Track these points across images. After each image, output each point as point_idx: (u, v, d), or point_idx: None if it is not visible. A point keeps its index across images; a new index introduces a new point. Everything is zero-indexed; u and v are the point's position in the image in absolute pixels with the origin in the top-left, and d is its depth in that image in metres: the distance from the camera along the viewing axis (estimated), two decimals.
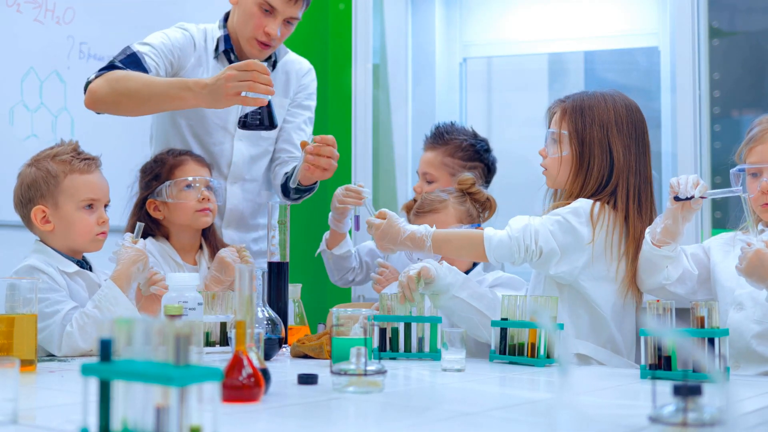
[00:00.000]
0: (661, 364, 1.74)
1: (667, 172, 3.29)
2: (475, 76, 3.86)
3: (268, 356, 1.98)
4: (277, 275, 2.22)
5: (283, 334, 2.06)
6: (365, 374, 1.48)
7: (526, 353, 1.98)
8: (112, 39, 2.97)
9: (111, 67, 2.45)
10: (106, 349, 0.95)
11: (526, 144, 3.55)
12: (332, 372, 1.51)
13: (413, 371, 1.87)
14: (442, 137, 2.81)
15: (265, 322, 1.99)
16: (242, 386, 1.33)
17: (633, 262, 2.14)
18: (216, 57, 2.65)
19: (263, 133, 2.65)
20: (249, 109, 2.32)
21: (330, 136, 2.44)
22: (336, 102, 3.74)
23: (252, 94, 2.25)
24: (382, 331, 2.07)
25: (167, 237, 2.54)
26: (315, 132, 2.81)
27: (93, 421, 0.95)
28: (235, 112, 2.61)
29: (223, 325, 2.11)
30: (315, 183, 2.59)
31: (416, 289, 2.08)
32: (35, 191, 2.11)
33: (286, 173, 2.68)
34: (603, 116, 2.20)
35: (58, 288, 2.05)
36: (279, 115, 2.70)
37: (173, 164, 2.52)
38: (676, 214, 2.02)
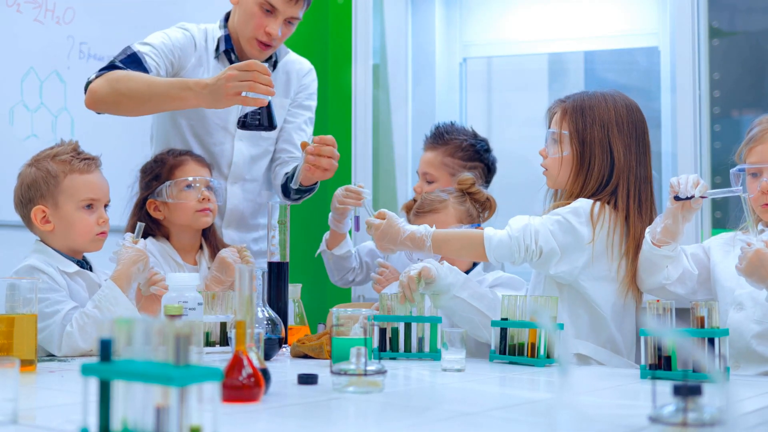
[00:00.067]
0: (661, 364, 1.74)
1: (667, 172, 3.29)
2: (475, 76, 3.86)
3: (268, 356, 1.98)
4: (277, 275, 2.22)
5: (283, 334, 2.06)
6: (365, 374, 1.48)
7: (526, 353, 1.98)
8: (112, 39, 2.97)
9: (111, 67, 2.45)
10: (106, 349, 0.95)
11: (526, 144, 3.55)
12: (332, 372, 1.51)
13: (413, 371, 1.87)
14: (442, 137, 2.81)
15: (265, 322, 1.99)
16: (242, 386, 1.33)
17: (633, 262, 2.14)
18: (216, 57, 2.65)
19: (263, 133, 2.65)
20: (249, 109, 2.32)
21: (329, 136, 2.44)
22: (336, 102, 3.74)
23: (252, 94, 2.26)
24: (382, 331, 2.07)
25: (167, 237, 2.54)
26: (315, 132, 2.81)
27: (93, 421, 0.95)
28: (236, 112, 2.61)
29: (223, 325, 2.11)
30: (315, 183, 2.59)
31: (417, 289, 2.08)
32: (35, 191, 2.11)
33: (286, 173, 2.69)
34: (604, 116, 2.20)
35: (58, 288, 2.05)
36: (279, 115, 2.70)
37: (173, 164, 2.52)
38: (676, 213, 2.02)
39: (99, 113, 2.49)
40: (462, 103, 3.85)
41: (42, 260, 2.07)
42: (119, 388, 0.93)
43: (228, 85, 2.24)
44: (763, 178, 2.04)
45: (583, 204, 2.14)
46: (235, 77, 2.24)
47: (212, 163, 2.64)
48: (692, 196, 1.99)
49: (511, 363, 2.00)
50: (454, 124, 2.87)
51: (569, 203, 2.17)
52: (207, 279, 2.43)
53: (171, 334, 0.92)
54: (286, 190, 2.68)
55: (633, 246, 2.15)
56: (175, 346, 0.92)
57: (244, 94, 2.25)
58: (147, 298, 2.17)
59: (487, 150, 2.85)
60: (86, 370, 0.95)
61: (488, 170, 2.84)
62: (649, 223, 2.13)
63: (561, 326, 2.02)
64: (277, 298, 2.21)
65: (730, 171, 2.09)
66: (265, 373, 1.40)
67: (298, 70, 2.79)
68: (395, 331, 2.09)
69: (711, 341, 1.71)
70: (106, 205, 2.18)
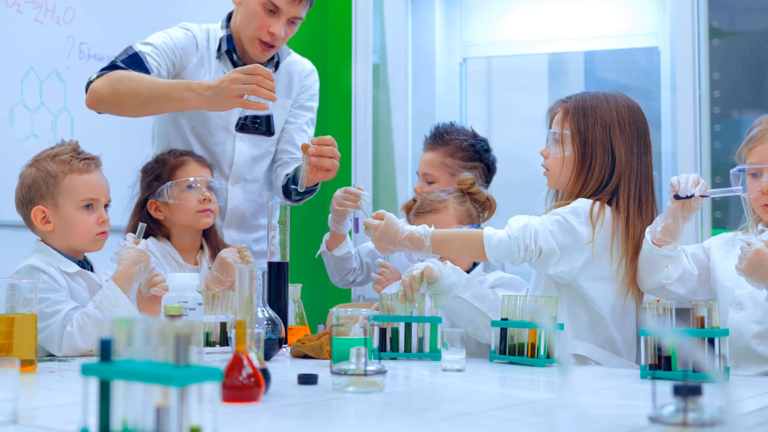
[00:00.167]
0: (661, 364, 1.74)
1: (667, 172, 3.29)
2: (475, 76, 3.86)
3: (268, 356, 1.98)
4: (277, 275, 2.22)
5: (283, 334, 2.06)
6: (365, 374, 1.48)
7: (526, 353, 1.98)
8: (112, 39, 2.97)
9: (113, 67, 2.45)
10: (106, 349, 0.95)
11: (526, 144, 3.55)
12: (332, 372, 1.51)
13: (413, 371, 1.87)
14: (442, 137, 2.81)
15: (265, 322, 1.99)
16: (242, 386, 1.33)
17: (633, 262, 2.14)
18: (218, 57, 2.65)
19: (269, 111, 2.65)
20: (249, 112, 2.32)
21: (329, 137, 2.44)
22: (336, 102, 3.75)
23: (254, 98, 2.26)
24: (382, 331, 2.07)
25: (168, 237, 2.54)
26: (315, 133, 2.81)
27: (93, 421, 0.95)
28: (237, 112, 2.61)
29: (223, 325, 2.11)
30: (316, 185, 2.59)
31: (418, 289, 2.08)
32: (35, 191, 2.11)
33: (287, 174, 2.69)
34: (605, 116, 2.20)
35: (58, 288, 2.05)
36: (281, 116, 2.70)
37: (174, 165, 2.52)
38: (676, 213, 2.02)
39: (99, 113, 2.49)
40: (462, 103, 3.85)
41: (43, 260, 2.07)
42: (119, 388, 0.93)
43: (231, 87, 2.25)
44: (763, 179, 2.04)
45: (583, 204, 2.14)
46: (239, 80, 2.25)
47: (213, 163, 2.64)
48: (692, 195, 1.99)
49: (511, 363, 2.00)
50: (453, 125, 2.87)
51: (569, 203, 2.17)
52: (207, 279, 2.43)
53: (171, 334, 0.92)
54: (287, 191, 2.68)
55: (633, 246, 2.14)
56: (175, 346, 0.92)
57: (245, 97, 2.26)
58: (148, 299, 2.17)
59: (487, 150, 2.84)
60: (86, 370, 0.95)
61: (488, 170, 2.84)
62: (650, 224, 2.13)
63: (561, 326, 2.02)
64: (277, 298, 2.21)
65: (730, 171, 2.09)
66: (265, 373, 1.40)
67: (300, 71, 2.79)
68: (395, 331, 2.09)
69: (711, 341, 1.71)
70: (106, 205, 2.18)
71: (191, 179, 2.50)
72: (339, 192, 2.58)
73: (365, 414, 1.34)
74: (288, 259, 2.24)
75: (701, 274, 2.13)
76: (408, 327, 2.08)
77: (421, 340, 2.08)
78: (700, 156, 3.06)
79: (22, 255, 2.12)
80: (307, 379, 1.58)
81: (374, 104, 3.70)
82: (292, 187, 2.63)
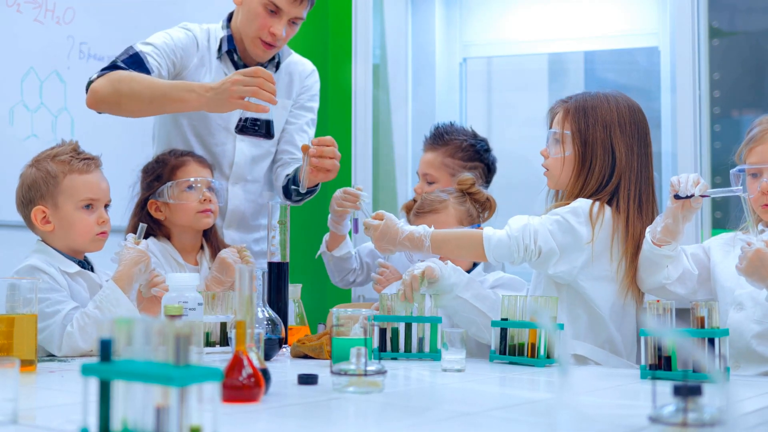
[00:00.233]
0: (661, 364, 1.74)
1: (667, 172, 3.29)
2: (475, 76, 3.86)
3: (268, 356, 1.98)
4: (278, 275, 2.22)
5: (283, 334, 2.06)
6: (365, 374, 1.48)
7: (526, 353, 1.98)
8: (112, 39, 2.97)
9: (113, 67, 2.45)
10: (106, 349, 0.95)
11: (526, 144, 3.55)
12: (332, 372, 1.51)
13: (413, 371, 1.87)
14: (442, 138, 2.81)
15: (265, 322, 1.99)
16: (242, 386, 1.33)
17: (632, 262, 2.14)
18: (219, 57, 2.65)
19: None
20: (249, 114, 2.33)
21: (328, 137, 2.44)
22: (336, 102, 3.75)
23: (255, 100, 2.27)
24: (382, 331, 2.07)
25: (168, 237, 2.54)
26: (315, 133, 2.81)
27: (93, 421, 0.95)
28: (238, 113, 2.61)
29: (223, 325, 2.11)
30: (317, 185, 2.59)
31: (418, 288, 2.08)
32: (35, 192, 2.11)
33: (287, 175, 2.68)
34: (606, 117, 2.20)
35: (59, 288, 2.05)
36: (281, 116, 2.70)
37: (175, 165, 2.52)
38: (676, 213, 2.02)
39: (100, 113, 2.49)
40: (462, 103, 3.85)
41: (43, 260, 2.07)
42: (119, 388, 0.93)
43: (233, 88, 2.26)
44: (763, 179, 2.04)
45: (582, 204, 2.14)
46: (240, 82, 2.26)
47: (214, 163, 2.64)
48: (692, 195, 1.99)
49: (511, 363, 2.00)
50: (453, 125, 2.87)
51: (569, 203, 2.17)
52: (207, 279, 2.43)
53: (171, 334, 0.92)
54: (287, 191, 2.68)
55: (632, 246, 2.14)
56: (175, 346, 0.92)
57: (246, 99, 2.26)
58: (148, 300, 2.17)
59: (487, 150, 2.84)
60: (86, 370, 0.95)
61: (488, 170, 2.84)
62: (650, 224, 2.13)
63: (561, 326, 2.02)
64: (277, 298, 2.21)
65: (730, 171, 2.09)
66: (265, 373, 1.40)
67: (301, 72, 2.79)
68: (395, 331, 2.08)
69: (711, 341, 1.71)
70: (107, 206, 2.18)
71: (192, 179, 2.50)
72: (338, 192, 2.58)
73: (365, 414, 1.34)
74: (288, 259, 2.24)
75: (701, 274, 2.13)
76: (408, 327, 2.08)
77: (421, 340, 2.08)
78: (700, 156, 3.06)
79: (23, 255, 2.12)
80: (307, 379, 1.58)
81: (374, 104, 3.70)
82: (293, 187, 2.63)
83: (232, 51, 2.65)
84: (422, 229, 2.18)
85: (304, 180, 2.45)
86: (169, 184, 2.49)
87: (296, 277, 2.46)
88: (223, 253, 2.43)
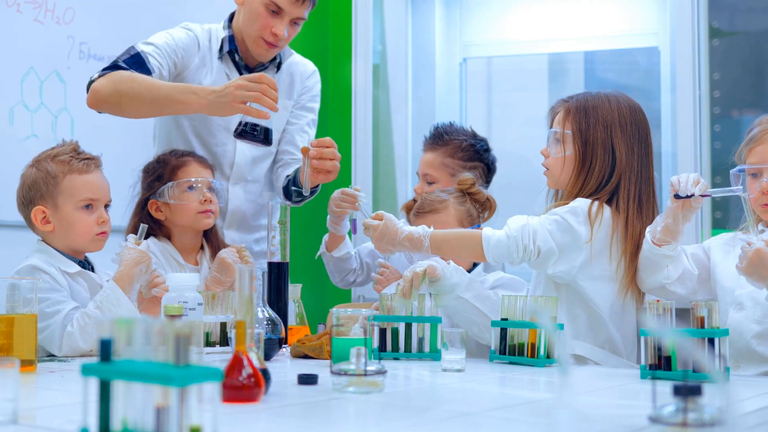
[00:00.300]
0: (661, 364, 1.74)
1: (667, 172, 3.29)
2: (475, 76, 3.86)
3: (268, 356, 1.98)
4: (278, 275, 2.22)
5: (283, 334, 2.06)
6: (365, 374, 1.48)
7: (526, 353, 1.98)
8: (112, 39, 2.97)
9: (115, 66, 2.45)
10: (106, 349, 0.95)
11: (526, 144, 3.55)
12: (332, 372, 1.51)
13: (413, 371, 1.87)
14: (442, 138, 2.81)
15: (265, 322, 1.99)
16: (242, 386, 1.33)
17: (632, 262, 2.14)
18: (220, 58, 2.65)
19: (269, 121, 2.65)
20: (249, 119, 2.33)
21: (327, 138, 2.43)
22: (336, 102, 3.75)
23: (257, 105, 2.27)
24: (382, 331, 2.07)
25: (169, 237, 2.54)
26: (315, 133, 2.81)
27: (93, 421, 0.95)
28: (239, 115, 2.61)
29: (223, 325, 2.11)
30: (317, 186, 2.59)
31: (419, 286, 2.08)
32: (35, 192, 2.11)
33: (287, 176, 2.68)
34: (607, 117, 2.20)
35: (59, 288, 2.05)
36: (282, 116, 2.70)
37: (176, 165, 2.52)
38: (676, 212, 2.02)
39: (100, 113, 2.49)
40: (462, 103, 3.85)
41: (43, 260, 2.07)
42: (119, 388, 0.93)
43: (236, 93, 2.27)
44: (763, 179, 2.04)
45: (581, 204, 2.14)
46: (244, 87, 2.27)
47: (214, 163, 2.64)
48: (692, 195, 1.99)
49: (511, 363, 2.00)
50: (453, 125, 2.87)
51: (567, 203, 2.17)
52: (207, 279, 2.43)
53: (171, 334, 0.92)
54: (287, 192, 2.68)
55: (632, 246, 2.14)
56: (175, 346, 0.92)
57: (248, 104, 2.27)
58: (148, 301, 2.17)
59: (487, 150, 2.84)
60: (86, 370, 0.95)
61: (488, 170, 2.84)
62: (650, 224, 2.13)
63: (561, 326, 2.02)
64: (277, 298, 2.21)
65: (730, 171, 2.09)
66: (265, 373, 1.40)
67: (302, 72, 2.79)
68: (395, 331, 2.08)
69: (711, 341, 1.71)
70: (107, 206, 2.18)
71: (192, 180, 2.50)
72: (336, 193, 2.59)
73: (365, 414, 1.34)
74: (288, 259, 2.24)
75: (701, 274, 2.14)
76: (408, 327, 2.08)
77: (421, 340, 2.08)
78: (700, 156, 3.06)
79: (23, 255, 2.12)
80: (307, 379, 1.58)
81: (374, 104, 3.70)
82: (293, 188, 2.63)
83: (234, 51, 2.65)
84: (421, 230, 2.18)
85: (306, 182, 2.44)
86: (169, 184, 2.49)
87: (296, 277, 2.46)
88: (223, 253, 2.43)
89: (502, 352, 2.03)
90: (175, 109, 2.44)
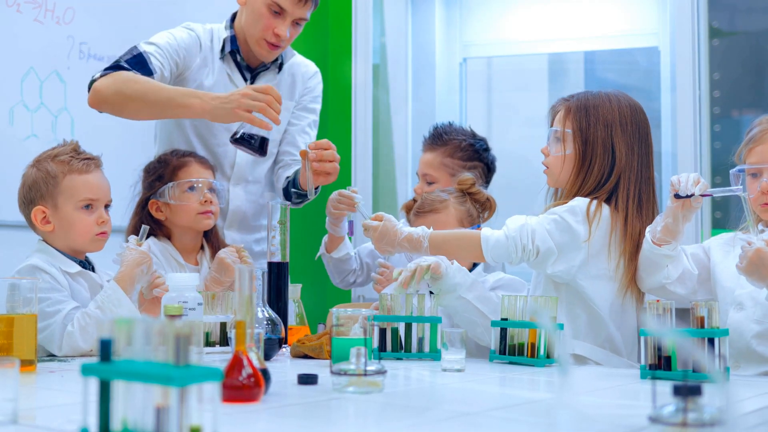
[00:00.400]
0: (661, 364, 1.74)
1: (667, 172, 3.29)
2: (475, 76, 3.86)
3: (268, 356, 1.98)
4: (277, 275, 2.22)
5: (283, 334, 2.06)
6: (365, 374, 1.48)
7: (526, 353, 1.98)
8: (112, 39, 2.97)
9: (117, 67, 2.45)
10: (106, 349, 0.95)
11: (526, 144, 3.55)
12: (332, 372, 1.51)
13: (413, 371, 1.87)
14: (441, 138, 2.81)
15: (265, 322, 1.99)
16: (242, 386, 1.33)
17: (631, 262, 2.14)
18: (222, 58, 2.65)
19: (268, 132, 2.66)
20: (249, 127, 2.34)
21: (325, 140, 2.43)
22: (336, 102, 3.75)
23: (260, 116, 2.28)
24: (382, 331, 2.07)
25: (169, 237, 2.54)
26: (316, 134, 2.81)
27: (93, 421, 0.95)
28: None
29: (223, 325, 2.11)
30: (317, 187, 2.59)
31: (419, 280, 2.08)
32: (35, 192, 2.11)
33: (287, 177, 2.68)
34: (607, 116, 2.20)
35: (59, 288, 2.05)
36: (283, 117, 2.70)
37: (177, 165, 2.52)
38: (676, 212, 2.02)
39: (101, 112, 2.49)
40: (462, 103, 3.85)
41: (44, 260, 2.07)
42: (119, 388, 0.93)
43: (242, 100, 2.28)
44: (763, 179, 2.04)
45: (580, 203, 2.14)
46: (251, 96, 2.28)
47: (215, 164, 2.64)
48: (692, 194, 1.99)
49: (511, 363, 2.00)
50: (452, 125, 2.87)
51: (566, 202, 2.17)
52: (206, 280, 2.43)
53: (171, 334, 0.92)
54: (287, 193, 2.68)
55: (631, 245, 2.14)
56: (175, 346, 0.92)
57: (252, 113, 2.28)
58: (149, 301, 2.17)
59: (486, 149, 2.84)
60: (86, 370, 0.95)
61: (488, 169, 2.84)
62: (650, 224, 2.13)
63: (561, 326, 2.02)
64: (277, 298, 2.21)
65: (730, 172, 2.09)
66: (265, 373, 1.40)
67: (304, 73, 2.79)
68: (395, 331, 2.08)
69: (711, 341, 1.71)
70: (107, 206, 2.18)
71: (193, 180, 2.50)
72: (334, 195, 2.59)
73: (365, 414, 1.34)
74: (288, 259, 2.24)
75: (701, 274, 2.14)
76: (408, 327, 2.08)
77: (421, 340, 2.08)
78: (700, 156, 3.06)
79: (23, 255, 2.12)
80: (307, 379, 1.58)
81: (374, 104, 3.70)
82: (293, 190, 2.63)
83: (235, 52, 2.65)
84: (421, 230, 2.18)
85: (309, 185, 2.44)
86: (170, 184, 2.49)
87: (296, 277, 2.46)
88: (222, 254, 2.43)
89: (502, 352, 2.03)
90: (177, 113, 2.44)
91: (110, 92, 2.40)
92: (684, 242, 2.16)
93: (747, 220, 2.07)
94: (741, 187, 2.04)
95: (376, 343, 1.88)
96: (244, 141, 2.37)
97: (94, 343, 1.99)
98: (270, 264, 2.23)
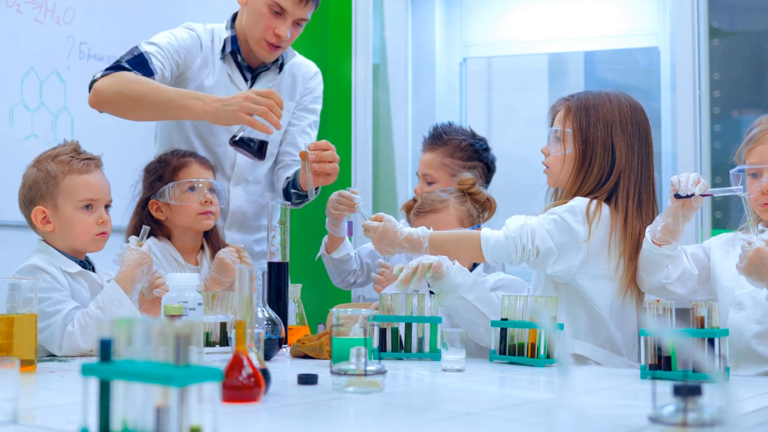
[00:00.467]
0: (661, 364, 1.74)
1: (667, 172, 3.29)
2: (475, 76, 3.86)
3: (268, 356, 1.98)
4: (278, 275, 2.22)
5: (283, 334, 2.06)
6: (365, 374, 1.48)
7: (526, 353, 1.98)
8: (112, 39, 2.97)
9: (118, 67, 2.45)
10: (106, 349, 0.95)
11: (526, 144, 3.55)
12: (332, 372, 1.51)
13: (413, 371, 1.87)
14: (441, 138, 2.81)
15: (265, 322, 1.99)
16: (242, 386, 1.33)
17: (631, 261, 2.14)
18: (222, 58, 2.65)
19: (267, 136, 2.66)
20: (248, 130, 2.34)
21: (324, 141, 2.44)
22: (336, 102, 3.75)
23: (261, 119, 2.29)
24: (382, 331, 2.07)
25: (169, 237, 2.54)
26: (317, 135, 2.81)
27: (93, 421, 0.95)
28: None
29: (223, 325, 2.11)
30: (316, 188, 2.59)
31: (420, 277, 2.08)
32: (36, 192, 2.11)
33: (287, 178, 2.68)
34: (607, 115, 2.20)
35: (60, 288, 2.05)
36: (284, 117, 2.70)
37: (177, 165, 2.52)
38: (676, 212, 2.02)
39: (101, 112, 2.49)
40: (462, 103, 3.85)
41: (44, 260, 2.07)
42: (119, 388, 0.93)
43: (244, 104, 2.28)
44: (763, 179, 2.04)
45: (579, 203, 2.15)
46: (253, 99, 2.29)
47: (215, 164, 2.64)
48: (693, 194, 1.99)
49: (511, 363, 2.00)
50: (452, 125, 2.87)
51: (566, 202, 2.17)
52: (206, 280, 2.43)
53: (171, 334, 0.92)
54: (287, 194, 2.68)
55: (630, 245, 2.14)
56: (175, 346, 0.92)
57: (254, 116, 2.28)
58: (150, 302, 2.17)
59: (486, 149, 2.84)
60: (86, 370, 0.95)
61: (488, 169, 2.84)
62: (650, 224, 2.13)
63: (561, 326, 2.02)
64: (277, 298, 2.21)
65: (730, 172, 2.09)
66: (265, 373, 1.40)
67: (304, 73, 2.79)
68: (395, 331, 2.08)
69: (711, 341, 1.71)
70: (107, 206, 2.18)
71: (193, 181, 2.50)
72: (334, 195, 2.59)
73: (365, 414, 1.34)
74: (288, 259, 2.24)
75: (701, 274, 2.14)
76: (408, 327, 2.08)
77: (421, 340, 2.08)
78: (700, 156, 3.06)
79: (23, 255, 2.12)
80: (307, 379, 1.58)
81: (374, 104, 3.70)
82: (293, 191, 2.63)
83: (236, 52, 2.65)
84: (421, 231, 2.19)
85: (310, 186, 2.44)
86: (170, 184, 2.49)
87: (296, 277, 2.46)
88: (221, 254, 2.43)
89: (502, 352, 2.03)
90: (177, 114, 2.44)
91: (111, 93, 2.40)
92: (684, 242, 2.16)
93: (747, 220, 2.07)
94: (741, 187, 2.04)
95: (376, 343, 1.88)
96: (243, 144, 2.37)
97: (94, 343, 1.99)
98: (270, 264, 2.23)
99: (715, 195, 2.07)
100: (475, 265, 2.47)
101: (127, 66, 2.44)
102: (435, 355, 2.05)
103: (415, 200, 2.63)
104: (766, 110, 2.92)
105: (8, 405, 1.18)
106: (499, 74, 3.86)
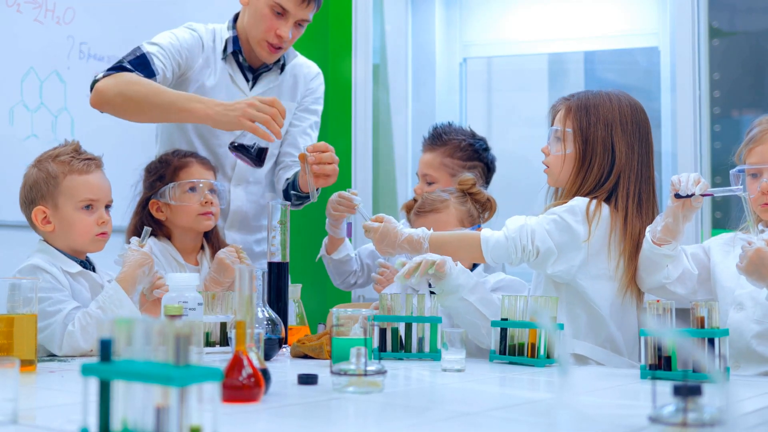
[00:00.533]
0: (661, 364, 1.74)
1: (667, 172, 3.29)
2: (475, 76, 3.86)
3: (268, 356, 1.98)
4: (278, 275, 2.23)
5: (283, 335, 2.06)
6: (365, 374, 1.48)
7: (526, 353, 1.98)
8: (112, 39, 2.97)
9: (120, 67, 2.45)
10: (106, 349, 0.95)
11: (526, 144, 3.55)
12: (332, 372, 1.51)
13: (413, 371, 1.87)
14: (441, 138, 2.81)
15: (265, 323, 1.99)
16: (242, 386, 1.33)
17: (631, 261, 2.14)
18: (224, 58, 2.65)
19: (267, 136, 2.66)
20: (249, 137, 2.34)
21: (323, 143, 2.44)
22: (336, 102, 3.75)
23: (263, 127, 2.29)
24: (382, 331, 2.07)
25: (169, 237, 2.54)
26: (317, 136, 2.81)
27: (93, 421, 0.95)
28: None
29: (223, 325, 2.11)
30: (317, 189, 2.59)
31: (422, 273, 2.07)
32: (36, 192, 2.11)
33: (287, 179, 2.69)
34: (608, 115, 2.20)
35: (60, 288, 2.05)
36: (285, 119, 2.70)
37: (178, 166, 2.52)
38: (676, 212, 2.02)
39: (102, 113, 2.49)
40: (462, 103, 3.85)
41: (45, 260, 2.07)
42: (119, 388, 0.93)
43: (248, 110, 2.28)
44: (763, 179, 2.04)
45: (579, 203, 2.14)
46: (256, 106, 2.29)
47: (216, 164, 2.64)
48: (693, 194, 1.99)
49: (511, 363, 2.00)
50: (451, 125, 2.87)
51: (566, 202, 2.17)
52: (205, 280, 2.43)
53: (171, 334, 0.92)
54: (287, 196, 2.68)
55: (630, 245, 2.14)
56: (175, 346, 0.92)
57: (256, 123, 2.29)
58: (151, 303, 2.17)
59: (486, 149, 2.84)
60: (86, 370, 0.95)
61: (488, 169, 2.84)
62: (650, 223, 2.13)
63: (561, 326, 2.02)
64: (277, 298, 2.21)
65: (730, 172, 2.09)
66: (265, 373, 1.40)
67: (306, 74, 2.79)
68: (395, 331, 2.08)
69: (711, 341, 1.71)
70: (108, 206, 2.18)
71: (194, 181, 2.50)
72: (334, 196, 2.59)
73: (365, 414, 1.34)
74: (288, 260, 2.24)
75: (701, 274, 2.14)
76: (408, 327, 2.08)
77: (421, 340, 2.08)
78: (700, 156, 3.06)
79: (23, 255, 2.12)
80: (307, 379, 1.58)
81: (374, 104, 3.70)
82: (292, 192, 2.64)
83: (238, 52, 2.65)
84: (421, 232, 2.19)
85: (311, 188, 2.44)
86: (171, 185, 2.49)
87: (296, 277, 2.46)
88: (221, 254, 2.43)
89: (502, 352, 2.03)
90: (179, 117, 2.45)
91: (112, 94, 2.40)
92: (684, 242, 2.16)
93: (747, 220, 2.07)
94: (741, 187, 2.04)
95: (376, 343, 1.88)
96: (242, 150, 2.37)
97: (94, 343, 1.99)
98: (270, 264, 2.23)
99: (715, 195, 2.07)
100: (475, 266, 2.47)
101: (129, 66, 2.44)
102: (435, 355, 2.05)
103: (415, 200, 2.63)
104: (766, 110, 2.92)
105: (8, 405, 1.18)
106: (499, 74, 3.86)
